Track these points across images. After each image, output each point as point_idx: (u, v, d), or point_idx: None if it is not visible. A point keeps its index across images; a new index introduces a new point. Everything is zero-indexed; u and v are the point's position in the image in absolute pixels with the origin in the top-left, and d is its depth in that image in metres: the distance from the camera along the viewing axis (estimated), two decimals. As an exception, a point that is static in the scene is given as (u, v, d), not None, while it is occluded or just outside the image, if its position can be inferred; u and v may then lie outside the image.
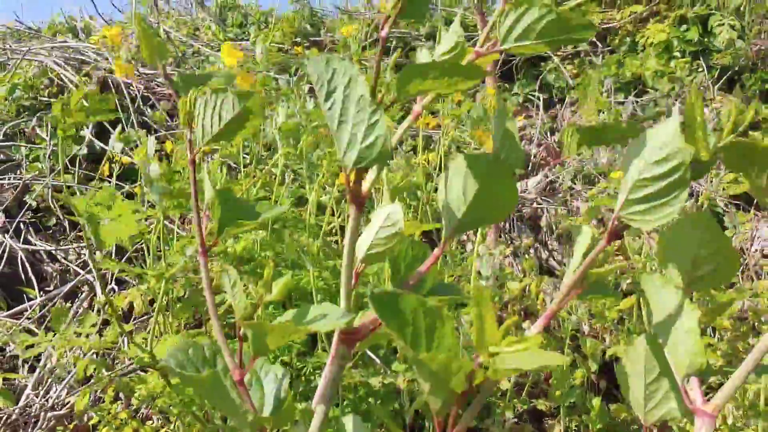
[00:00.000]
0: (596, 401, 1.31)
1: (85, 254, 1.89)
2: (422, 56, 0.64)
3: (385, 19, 0.53)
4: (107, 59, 2.56)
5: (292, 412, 0.62)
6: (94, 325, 1.45)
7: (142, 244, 1.70)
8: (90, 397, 1.40)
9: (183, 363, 0.60)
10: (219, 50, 2.94)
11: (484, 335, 0.46)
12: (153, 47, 0.62)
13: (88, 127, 2.22)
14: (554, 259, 2.14)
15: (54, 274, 1.93)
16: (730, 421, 1.31)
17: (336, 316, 0.56)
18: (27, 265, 1.89)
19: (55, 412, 1.44)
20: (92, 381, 1.40)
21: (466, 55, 0.57)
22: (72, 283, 1.84)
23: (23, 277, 1.88)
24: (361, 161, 0.52)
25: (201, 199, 0.69)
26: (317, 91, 0.52)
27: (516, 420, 1.39)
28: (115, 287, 1.80)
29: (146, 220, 1.71)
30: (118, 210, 1.34)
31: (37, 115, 2.43)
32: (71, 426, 1.43)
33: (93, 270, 1.82)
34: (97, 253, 1.58)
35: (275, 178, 1.79)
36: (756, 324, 1.63)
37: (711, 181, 2.08)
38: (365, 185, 0.56)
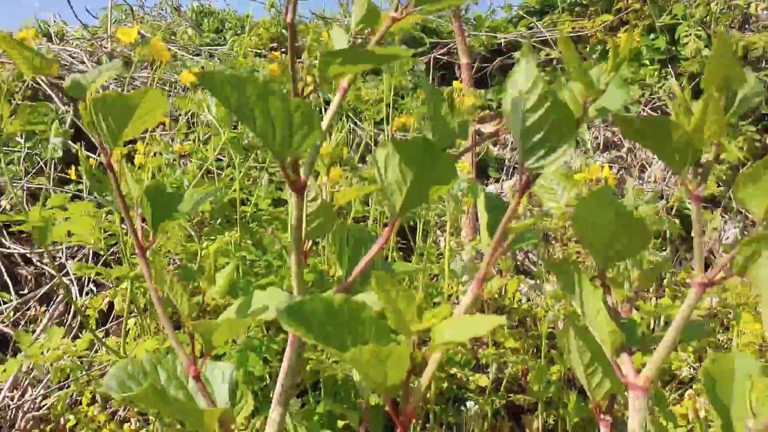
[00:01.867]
0: (573, 396, 1.34)
1: (60, 257, 1.87)
2: (337, 34, 0.64)
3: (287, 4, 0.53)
4: (83, 62, 2.54)
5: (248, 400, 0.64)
6: (68, 333, 1.44)
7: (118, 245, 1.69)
8: (67, 399, 1.39)
9: (124, 381, 0.59)
10: (197, 54, 2.93)
11: (402, 318, 0.46)
12: (26, 61, 0.59)
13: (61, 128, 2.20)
14: (530, 260, 2.17)
15: (29, 277, 1.91)
16: (702, 415, 1.34)
17: (281, 301, 0.56)
18: (1, 268, 1.87)
19: (32, 414, 1.42)
20: (69, 380, 1.39)
21: (382, 22, 0.58)
22: (47, 286, 1.82)
23: (-3, 280, 1.85)
24: (296, 155, 0.53)
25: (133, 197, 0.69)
26: (234, 113, 0.49)
27: (494, 415, 1.41)
28: (94, 288, 1.79)
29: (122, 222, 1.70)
30: (71, 211, 1.34)
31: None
32: (48, 428, 1.42)
33: (69, 273, 1.81)
34: (71, 260, 1.57)
35: (253, 181, 1.79)
36: (725, 320, 1.68)
37: (679, 184, 2.14)
38: (302, 174, 0.57)
